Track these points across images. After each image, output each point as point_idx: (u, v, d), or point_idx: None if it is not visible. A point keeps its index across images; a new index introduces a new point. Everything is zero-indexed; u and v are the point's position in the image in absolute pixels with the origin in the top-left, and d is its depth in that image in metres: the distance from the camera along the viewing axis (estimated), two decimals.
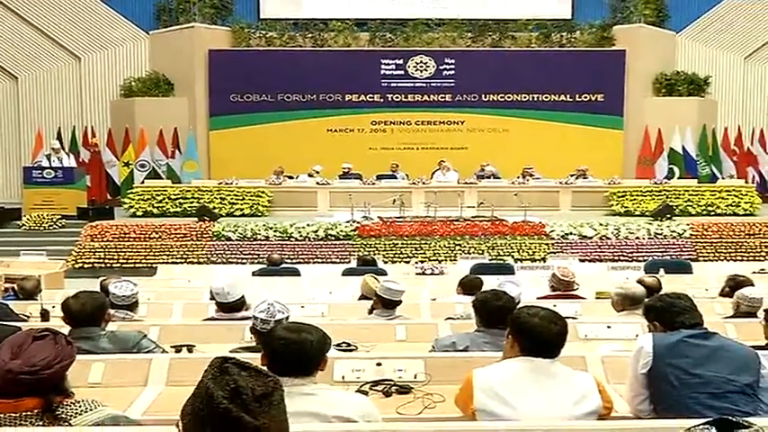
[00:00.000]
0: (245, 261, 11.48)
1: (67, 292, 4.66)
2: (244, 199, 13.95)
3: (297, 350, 2.51)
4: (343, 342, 4.25)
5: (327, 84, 16.92)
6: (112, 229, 12.29)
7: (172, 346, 4.17)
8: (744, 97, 18.55)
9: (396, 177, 14.95)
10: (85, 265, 11.79)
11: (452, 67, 17.11)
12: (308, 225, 12.29)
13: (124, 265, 11.73)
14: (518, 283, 5.17)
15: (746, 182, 15.77)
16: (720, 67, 18.31)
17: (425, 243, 11.92)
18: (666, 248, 11.95)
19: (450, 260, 11.38)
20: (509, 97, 17.15)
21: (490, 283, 5.58)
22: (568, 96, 17.11)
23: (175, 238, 12.18)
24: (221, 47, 17.20)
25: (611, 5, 18.11)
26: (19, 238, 12.57)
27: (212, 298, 5.12)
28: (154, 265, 11.10)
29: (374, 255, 11.05)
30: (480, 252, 11.63)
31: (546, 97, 17.12)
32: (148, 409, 3.15)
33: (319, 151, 16.07)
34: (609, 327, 4.57)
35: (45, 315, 5.30)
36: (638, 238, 12.15)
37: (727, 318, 5.02)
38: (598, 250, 11.94)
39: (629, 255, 11.76)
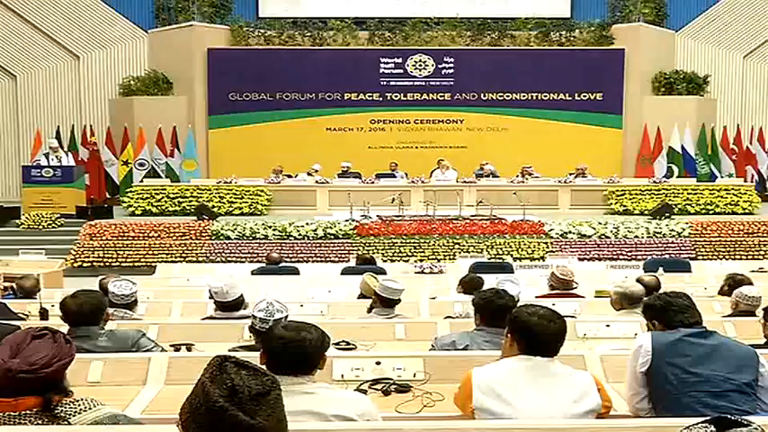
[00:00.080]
0: (244, 260, 11.48)
1: (66, 291, 4.67)
2: (243, 198, 13.95)
3: (296, 349, 2.51)
4: (343, 341, 4.26)
5: (326, 82, 16.91)
6: (111, 228, 12.28)
7: (171, 345, 4.17)
8: (743, 96, 18.55)
9: (395, 176, 14.95)
10: (84, 264, 11.80)
11: (451, 65, 17.10)
12: (307, 224, 12.29)
13: (123, 264, 11.73)
14: (517, 282, 5.18)
15: (745, 181, 15.79)
16: (719, 65, 18.31)
17: (424, 242, 11.93)
18: (665, 247, 11.97)
19: (449, 259, 11.40)
20: (508, 96, 17.14)
21: (489, 282, 5.60)
22: (567, 95, 17.10)
23: (174, 237, 12.18)
24: (220, 46, 17.19)
25: (611, 4, 18.10)
26: (18, 237, 12.56)
27: (211, 297, 5.12)
28: (153, 264, 11.09)
29: (373, 253, 11.05)
30: (479, 251, 11.64)
31: (545, 96, 17.11)
32: (147, 407, 3.16)
33: (318, 150, 16.06)
34: (608, 325, 4.57)
35: (44, 314, 5.30)
36: (636, 236, 12.16)
37: (726, 316, 5.03)
38: (597, 249, 11.95)
39: (628, 254, 11.78)
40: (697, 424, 1.66)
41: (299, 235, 12.10)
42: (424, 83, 17.13)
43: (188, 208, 13.63)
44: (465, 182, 14.21)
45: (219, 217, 13.07)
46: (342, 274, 8.66)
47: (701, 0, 18.27)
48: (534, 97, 17.11)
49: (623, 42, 17.24)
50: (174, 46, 17.01)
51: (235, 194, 13.98)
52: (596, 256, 11.75)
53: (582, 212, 13.53)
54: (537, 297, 5.77)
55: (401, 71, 17.09)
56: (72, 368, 2.22)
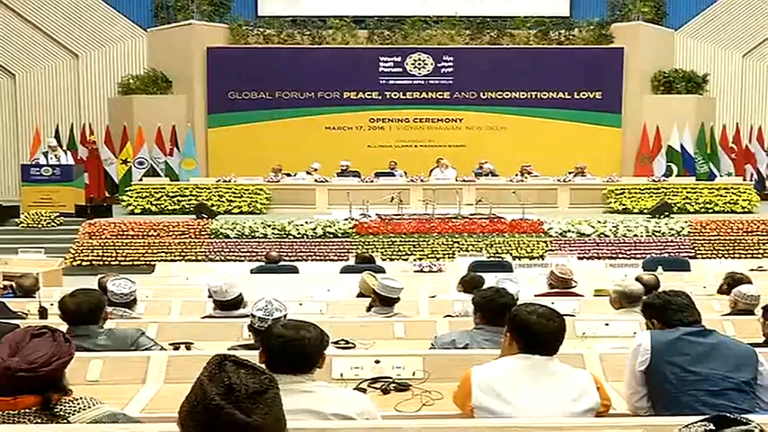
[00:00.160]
0: (243, 259, 11.49)
1: (66, 290, 4.66)
2: (242, 196, 13.95)
3: (295, 348, 2.51)
4: (342, 339, 4.26)
5: (325, 81, 16.90)
6: (111, 227, 12.28)
7: (170, 344, 4.17)
8: (742, 95, 18.55)
9: (394, 175, 14.95)
10: (84, 263, 11.79)
11: (450, 64, 17.09)
12: (306, 223, 12.29)
13: (122, 263, 11.73)
14: (516, 281, 5.18)
15: (744, 179, 15.80)
16: (719, 64, 18.32)
17: (424, 240, 11.93)
18: (664, 246, 11.97)
19: (449, 258, 11.41)
20: (507, 95, 17.14)
21: (488, 280, 5.59)
22: (567, 94, 17.10)
23: (173, 236, 12.17)
24: (219, 44, 17.17)
25: (610, 3, 18.10)
26: (17, 236, 12.56)
27: (210, 296, 5.12)
28: (152, 263, 11.09)
29: (372, 252, 11.04)
30: (478, 250, 11.63)
31: (544, 95, 17.11)
32: (146, 406, 3.16)
33: (317, 149, 16.05)
34: (607, 324, 4.57)
35: (43, 313, 5.30)
36: (636, 235, 12.17)
37: (724, 315, 5.03)
38: (596, 248, 11.96)
39: (628, 252, 11.78)
40: (696, 422, 1.66)
41: (299, 234, 12.10)
42: (423, 81, 17.12)
43: (187, 207, 13.63)
44: (464, 181, 14.21)
45: (218, 216, 13.06)
46: (341, 272, 8.66)
47: None
48: (533, 96, 17.11)
49: (622, 41, 17.24)
50: (173, 45, 17.00)
51: (234, 193, 13.98)
52: (595, 254, 11.76)
53: (581, 211, 13.53)
54: (536, 296, 5.77)
55: (400, 70, 17.09)
56: (71, 367, 2.22)
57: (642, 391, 3.00)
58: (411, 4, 18.01)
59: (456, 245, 11.87)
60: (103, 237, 12.12)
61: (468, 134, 17.12)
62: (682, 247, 12.01)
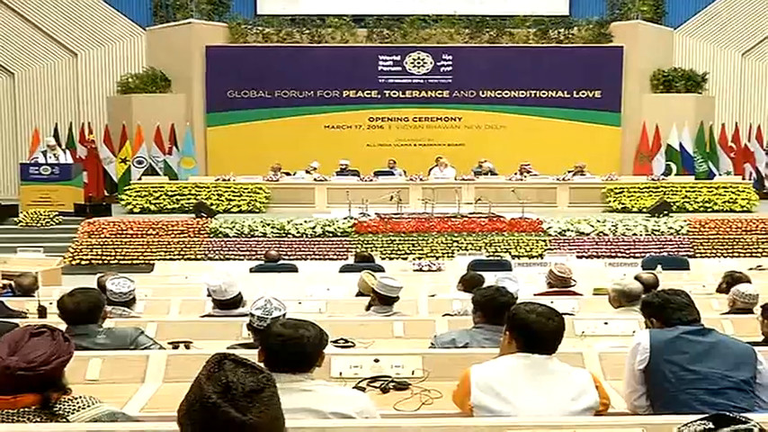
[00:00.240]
0: (242, 257, 11.47)
1: (65, 289, 4.66)
2: (241, 195, 13.95)
3: (294, 347, 2.51)
4: (341, 338, 4.26)
5: (325, 80, 16.90)
6: (110, 226, 12.27)
7: (169, 343, 4.17)
8: (741, 94, 18.56)
9: (393, 174, 14.95)
10: (83, 262, 11.79)
11: (450, 63, 17.09)
12: (305, 222, 12.28)
13: (121, 262, 11.72)
14: (515, 280, 5.19)
15: (743, 178, 15.81)
16: (718, 63, 18.32)
17: (423, 239, 11.93)
18: (664, 245, 11.98)
19: (448, 256, 11.40)
20: (506, 94, 17.14)
21: (488, 279, 5.59)
22: (566, 93, 17.10)
23: (173, 235, 12.17)
24: (218, 43, 17.17)
25: (609, 2, 18.11)
26: (16, 235, 12.55)
27: (209, 295, 5.12)
28: (151, 262, 11.08)
29: (371, 251, 11.03)
30: (478, 248, 11.63)
31: (543, 94, 17.12)
32: (146, 405, 3.15)
33: (317, 148, 16.05)
34: (606, 323, 4.57)
35: (42, 312, 5.29)
36: (635, 234, 12.17)
37: (724, 314, 5.03)
38: (595, 247, 11.96)
39: (627, 251, 11.78)
40: (695, 421, 1.66)
41: (298, 232, 12.10)
42: (422, 80, 17.12)
43: (186, 205, 13.63)
44: (463, 179, 14.22)
45: (218, 214, 13.05)
46: (340, 271, 8.66)
47: None
48: (533, 95, 17.11)
49: (622, 40, 17.24)
50: (172, 43, 16.99)
51: (233, 192, 13.98)
52: (594, 253, 11.75)
53: (580, 210, 13.54)
54: (535, 295, 5.77)
55: (399, 69, 17.09)
56: (70, 366, 2.22)
57: (641, 389, 3.00)
58: (410, 3, 18.01)
59: (455, 244, 11.86)
60: (102, 236, 12.11)
61: (468, 133, 17.12)
62: (681, 245, 12.02)
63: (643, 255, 10.85)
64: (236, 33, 17.35)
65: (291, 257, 11.18)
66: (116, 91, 17.39)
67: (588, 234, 12.14)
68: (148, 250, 11.93)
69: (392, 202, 12.94)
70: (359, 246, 11.69)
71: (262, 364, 2.21)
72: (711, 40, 18.34)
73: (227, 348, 3.60)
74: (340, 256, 11.35)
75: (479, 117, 17.12)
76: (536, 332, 2.77)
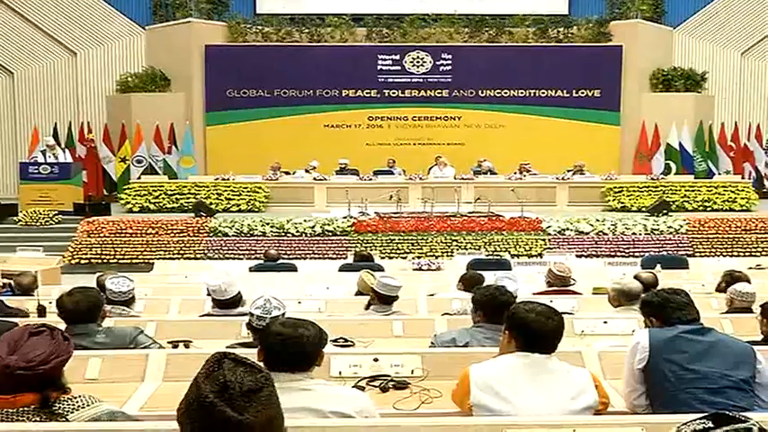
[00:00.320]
0: (241, 257, 11.48)
1: (64, 289, 4.65)
2: (240, 195, 13.94)
3: (294, 346, 2.51)
4: (340, 338, 4.26)
5: (324, 79, 16.89)
6: (109, 225, 12.27)
7: (168, 342, 4.17)
8: (740, 93, 18.58)
9: (392, 173, 14.95)
10: (82, 261, 11.79)
11: (449, 62, 17.09)
12: (304, 221, 12.28)
13: (121, 261, 11.72)
14: (515, 279, 5.18)
15: (743, 177, 15.81)
16: (717, 62, 18.33)
17: (422, 239, 11.93)
18: (663, 244, 11.98)
19: (447, 256, 11.40)
20: (506, 93, 17.15)
21: (487, 278, 5.59)
22: (565, 92, 17.11)
23: (172, 234, 12.16)
24: (218, 42, 17.16)
25: (608, 1, 18.11)
26: (15, 234, 12.55)
27: (209, 294, 5.12)
28: (150, 261, 11.09)
29: (371, 250, 11.03)
30: (477, 248, 11.64)
31: (543, 93, 17.12)
32: (145, 404, 3.15)
33: (316, 147, 16.05)
34: (605, 322, 4.57)
35: (42, 311, 5.29)
36: (634, 233, 12.17)
37: (723, 313, 5.03)
38: (595, 246, 11.96)
39: (626, 250, 11.79)
40: (694, 420, 1.66)
41: (297, 232, 12.10)
42: (421, 80, 17.12)
43: (186, 205, 13.62)
44: (463, 179, 14.21)
45: (217, 214, 13.05)
46: (339, 270, 8.66)
47: None
48: (532, 94, 17.11)
49: (621, 39, 17.24)
50: (171, 42, 16.98)
51: (232, 191, 13.97)
52: (594, 252, 11.76)
53: (579, 209, 13.54)
54: (534, 294, 5.77)
55: (399, 68, 17.09)
56: (70, 365, 2.22)
57: (640, 388, 3.00)
58: (410, 2, 18.00)
59: (455, 243, 11.87)
60: (102, 235, 12.11)
61: (467, 132, 17.12)
62: (680, 245, 12.02)
63: (642, 254, 10.86)
64: (236, 32, 17.34)
65: (291, 257, 11.18)
66: (115, 90, 17.38)
67: (587, 233, 12.15)
68: (148, 249, 11.93)
69: (391, 201, 12.93)
70: (358, 245, 11.68)
71: (261, 364, 2.21)
72: (711, 39, 18.35)
73: (227, 348, 3.60)
74: (339, 256, 11.36)
75: (479, 116, 17.13)
76: (535, 331, 2.77)
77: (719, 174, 16.20)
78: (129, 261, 11.76)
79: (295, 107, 17.00)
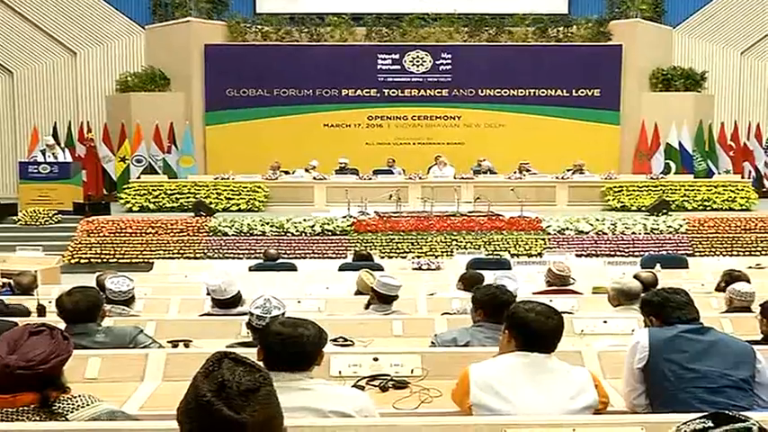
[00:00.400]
0: (241, 256, 11.48)
1: (64, 288, 4.65)
2: (240, 194, 13.94)
3: (293, 346, 2.50)
4: (340, 337, 4.25)
5: (324, 79, 16.89)
6: (109, 225, 12.26)
7: (168, 342, 4.17)
8: (740, 92, 18.57)
9: (392, 172, 14.95)
10: (82, 261, 11.79)
11: (449, 61, 17.09)
12: (304, 220, 12.28)
13: (120, 261, 11.72)
14: (515, 279, 5.18)
15: (742, 177, 15.81)
16: (717, 62, 18.33)
17: (422, 238, 11.93)
18: (663, 243, 11.98)
19: (447, 255, 11.40)
20: (505, 92, 17.14)
21: (487, 278, 5.59)
22: (565, 91, 17.10)
23: (172, 234, 12.16)
24: (217, 41, 17.16)
25: (608, 0, 18.10)
26: (15, 234, 12.55)
27: (209, 294, 5.12)
28: (150, 261, 11.09)
29: (371, 250, 11.04)
30: (477, 247, 11.64)
31: (542, 92, 17.12)
32: (145, 404, 3.15)
33: (316, 146, 16.05)
34: (605, 322, 4.57)
35: (41, 310, 5.29)
36: (634, 233, 12.17)
37: (723, 313, 5.03)
38: (594, 245, 11.97)
39: (626, 250, 11.79)
40: (694, 419, 1.66)
41: (297, 231, 12.10)
42: (421, 79, 17.12)
43: (185, 204, 13.62)
44: (462, 178, 14.21)
45: (217, 213, 13.05)
46: (339, 270, 8.67)
47: None
48: (532, 93, 17.11)
49: (621, 38, 17.24)
50: (171, 42, 16.97)
51: (232, 191, 13.97)
52: (593, 252, 11.77)
53: (579, 209, 13.54)
54: (534, 293, 5.77)
55: (398, 67, 17.08)
56: (69, 364, 2.22)
57: (640, 388, 3.00)
58: (409, 2, 17.98)
59: (454, 242, 11.87)
60: (101, 234, 12.11)
61: (467, 132, 17.12)
62: (680, 244, 12.02)
63: (642, 253, 10.87)
64: (235, 32, 17.34)
65: (290, 256, 11.18)
66: (115, 89, 17.38)
67: (587, 233, 12.15)
68: (147, 249, 11.93)
69: (391, 200, 12.93)
70: (358, 244, 11.68)
71: (261, 363, 2.21)
72: (710, 38, 18.35)
73: (227, 347, 3.60)
74: (339, 255, 11.35)
75: (478, 116, 17.13)
76: (535, 331, 2.77)
77: (719, 173, 16.20)
78: (128, 260, 11.76)
79: (295, 107, 17.00)
